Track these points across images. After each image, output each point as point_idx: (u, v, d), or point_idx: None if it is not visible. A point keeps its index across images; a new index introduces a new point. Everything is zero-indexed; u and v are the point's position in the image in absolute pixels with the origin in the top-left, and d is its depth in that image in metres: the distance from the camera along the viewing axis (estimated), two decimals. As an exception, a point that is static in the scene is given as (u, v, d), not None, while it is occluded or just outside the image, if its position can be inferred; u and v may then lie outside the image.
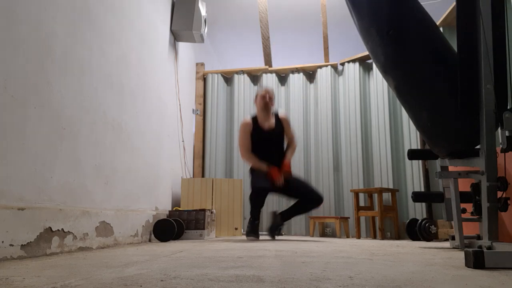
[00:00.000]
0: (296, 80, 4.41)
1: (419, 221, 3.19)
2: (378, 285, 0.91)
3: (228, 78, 4.65)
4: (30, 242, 1.59)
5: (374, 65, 4.17)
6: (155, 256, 1.66)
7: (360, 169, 3.97)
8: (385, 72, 2.11)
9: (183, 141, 4.03)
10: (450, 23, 3.64)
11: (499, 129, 1.71)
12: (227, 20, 5.08)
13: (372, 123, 4.06)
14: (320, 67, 4.36)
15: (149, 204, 2.98)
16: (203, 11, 3.76)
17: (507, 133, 1.66)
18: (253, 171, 3.27)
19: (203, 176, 4.36)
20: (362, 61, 4.21)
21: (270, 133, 3.30)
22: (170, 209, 3.50)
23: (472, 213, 2.21)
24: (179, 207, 3.66)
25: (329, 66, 4.31)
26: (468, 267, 1.29)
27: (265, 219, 4.15)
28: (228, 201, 3.67)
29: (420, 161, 3.70)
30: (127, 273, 1.10)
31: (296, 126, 4.29)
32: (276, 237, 3.47)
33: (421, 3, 2.91)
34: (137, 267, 1.26)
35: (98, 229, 2.15)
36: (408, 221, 3.30)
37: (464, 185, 2.68)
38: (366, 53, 4.15)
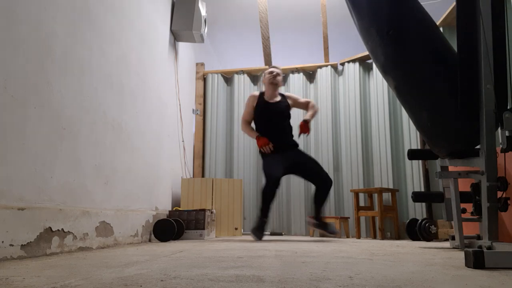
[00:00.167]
0: (296, 80, 4.41)
1: (419, 221, 3.18)
2: (378, 285, 0.91)
3: (228, 78, 4.65)
4: (30, 242, 1.59)
5: (374, 65, 4.17)
6: (155, 256, 1.66)
7: (360, 169, 3.97)
8: (385, 72, 2.11)
9: (183, 141, 4.03)
10: (450, 23, 3.64)
11: (499, 129, 1.71)
12: (227, 20, 5.08)
13: (372, 123, 4.06)
14: (320, 67, 4.36)
15: (149, 204, 2.98)
16: (203, 11, 3.76)
17: (507, 133, 1.66)
18: (264, 155, 3.24)
19: (203, 176, 4.36)
20: (362, 61, 4.21)
21: (276, 106, 3.33)
22: (170, 209, 3.51)
23: (472, 213, 2.21)
24: (179, 207, 3.66)
25: (329, 66, 4.31)
26: (468, 267, 1.29)
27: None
28: (228, 201, 3.67)
29: (420, 161, 3.71)
30: (127, 273, 1.10)
31: (296, 126, 4.29)
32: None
33: (421, 3, 2.91)
34: (137, 267, 1.26)
35: (98, 229, 2.15)
36: (408, 221, 3.30)
37: (464, 185, 2.68)
38: (366, 53, 4.15)
